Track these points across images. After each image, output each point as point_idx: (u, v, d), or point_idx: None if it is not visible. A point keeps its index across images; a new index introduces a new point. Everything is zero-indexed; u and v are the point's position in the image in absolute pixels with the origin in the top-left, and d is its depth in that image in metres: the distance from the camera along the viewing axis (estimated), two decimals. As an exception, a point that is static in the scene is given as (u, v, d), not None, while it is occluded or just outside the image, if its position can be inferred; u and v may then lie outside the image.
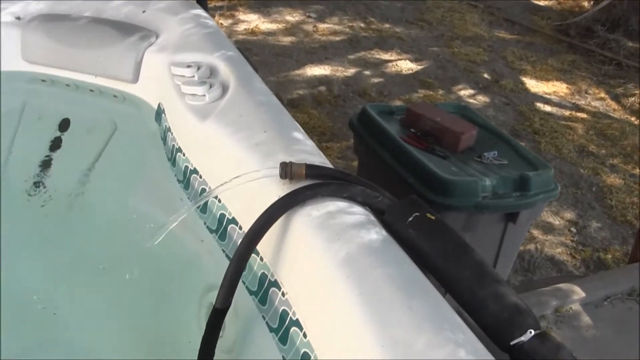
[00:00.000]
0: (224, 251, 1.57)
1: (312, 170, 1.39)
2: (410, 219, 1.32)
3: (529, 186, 2.26)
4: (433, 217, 1.34)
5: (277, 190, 1.40)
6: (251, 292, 1.43)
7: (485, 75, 5.63)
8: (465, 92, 5.29)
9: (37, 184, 2.36)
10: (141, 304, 1.94)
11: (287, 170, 1.38)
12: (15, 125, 2.48)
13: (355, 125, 2.69)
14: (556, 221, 3.71)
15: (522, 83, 5.55)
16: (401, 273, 1.18)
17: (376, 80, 5.36)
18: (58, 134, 2.43)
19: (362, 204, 1.38)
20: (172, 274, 1.85)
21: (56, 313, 2.07)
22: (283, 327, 1.29)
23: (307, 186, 1.36)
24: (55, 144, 2.42)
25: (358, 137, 2.73)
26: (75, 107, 2.49)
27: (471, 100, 5.13)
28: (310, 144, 1.60)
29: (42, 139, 2.44)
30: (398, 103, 4.85)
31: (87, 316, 2.02)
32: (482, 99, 5.20)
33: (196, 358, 1.38)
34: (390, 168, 2.39)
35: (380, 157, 2.46)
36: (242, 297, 1.34)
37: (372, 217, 1.34)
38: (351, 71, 5.44)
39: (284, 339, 1.29)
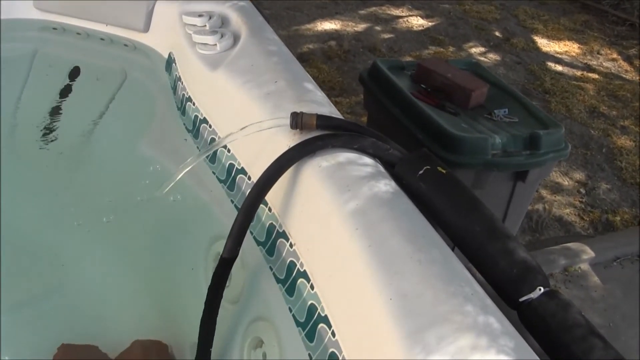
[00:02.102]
0: (232, 201, 1.56)
1: (323, 121, 1.38)
2: (421, 172, 1.31)
3: (539, 145, 2.23)
4: (444, 171, 1.32)
5: (287, 140, 1.38)
6: (259, 243, 1.42)
7: (497, 34, 5.57)
8: (475, 50, 5.24)
9: (46, 131, 2.36)
10: (148, 252, 1.95)
11: (297, 120, 1.36)
12: (25, 72, 2.47)
13: (366, 80, 2.67)
14: (565, 182, 3.69)
15: (534, 42, 5.49)
16: (411, 226, 1.17)
17: (387, 36, 5.31)
18: (68, 81, 2.42)
19: (373, 155, 1.36)
20: (180, 223, 1.85)
21: (63, 260, 2.08)
22: (290, 279, 1.29)
23: (317, 136, 1.34)
24: (65, 92, 2.41)
25: (368, 92, 2.71)
26: (86, 55, 2.47)
27: (482, 58, 5.09)
28: (320, 95, 1.58)
29: (52, 86, 2.43)
30: (408, 59, 4.80)
31: (94, 264, 2.03)
32: (492, 57, 5.16)
33: (202, 308, 1.37)
34: (400, 123, 2.37)
35: (390, 112, 2.44)
36: (249, 248, 1.34)
37: (383, 170, 1.33)
38: (362, 26, 5.39)
39: (290, 290, 1.28)
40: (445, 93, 2.46)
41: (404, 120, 2.35)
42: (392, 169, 1.36)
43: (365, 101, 2.84)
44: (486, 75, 2.68)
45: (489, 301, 1.05)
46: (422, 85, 2.52)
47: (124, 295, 1.93)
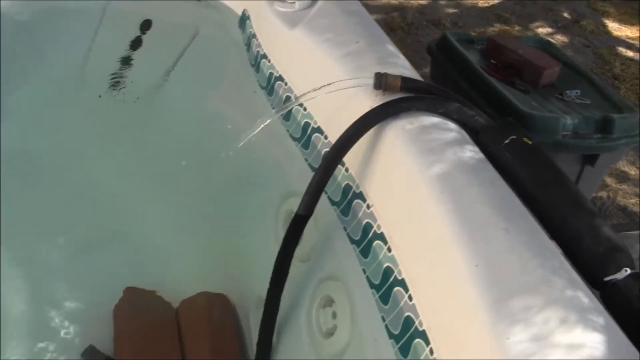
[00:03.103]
0: (306, 160, 1.54)
1: (407, 83, 1.35)
2: (507, 141, 1.28)
3: (611, 128, 2.17)
4: (530, 142, 1.29)
5: (369, 100, 1.36)
6: (333, 203, 1.41)
7: (565, 15, 5.44)
8: (542, 30, 5.13)
9: (115, 82, 2.37)
10: (216, 206, 1.96)
11: (382, 81, 1.34)
12: (97, 23, 2.48)
13: (434, 52, 2.62)
14: (632, 171, 3.60)
15: (604, 25, 5.34)
16: (497, 194, 1.14)
17: (451, 10, 5.23)
18: (139, 33, 2.42)
19: (457, 121, 1.33)
20: (251, 178, 1.85)
21: (128, 207, 2.10)
22: (365, 240, 1.27)
23: (401, 98, 1.31)
24: (136, 43, 2.41)
25: (436, 64, 2.67)
26: (158, 9, 2.47)
27: (549, 39, 4.97)
28: (402, 58, 1.56)
29: (123, 37, 2.44)
30: (473, 35, 4.72)
31: (161, 213, 2.04)
32: (560, 38, 5.04)
33: (270, 264, 1.37)
34: (468, 97, 2.32)
35: (458, 85, 2.39)
36: (322, 207, 1.32)
37: (467, 136, 1.30)
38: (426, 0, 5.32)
39: (365, 251, 1.27)
40: (515, 69, 2.40)
41: (473, 94, 2.31)
42: (476, 136, 1.33)
43: (433, 73, 2.79)
44: (558, 54, 2.61)
45: (575, 276, 1.02)
46: (492, 61, 2.46)
47: (190, 246, 1.95)
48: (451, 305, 1.02)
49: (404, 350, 1.09)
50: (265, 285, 1.39)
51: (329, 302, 1.37)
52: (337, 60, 1.53)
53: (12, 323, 1.75)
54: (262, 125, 1.47)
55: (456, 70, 2.46)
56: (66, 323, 1.75)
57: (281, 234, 1.54)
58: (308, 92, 1.42)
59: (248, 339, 1.74)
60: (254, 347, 1.56)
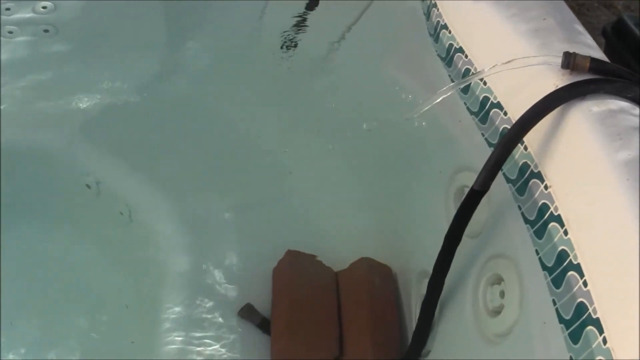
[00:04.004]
0: (483, 134, 1.53)
1: (596, 64, 1.31)
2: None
3: None
4: None
5: (554, 79, 1.33)
6: (508, 180, 1.39)
7: None
8: None
9: (288, 43, 2.42)
10: (385, 174, 1.97)
11: (570, 60, 1.30)
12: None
13: (609, 35, 2.51)
14: None
15: None
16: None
17: (625, -7, 4.97)
18: (315, -5, 2.46)
19: (647, 107, 1.28)
20: (423, 149, 1.84)
21: (292, 169, 2.15)
22: (541, 221, 1.25)
23: (590, 79, 1.28)
24: (312, 4, 2.45)
25: (610, 47, 2.55)
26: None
27: None
28: (590, 39, 1.51)
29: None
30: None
31: (325, 177, 2.08)
32: None
33: (437, 237, 1.37)
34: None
35: (633, 69, 2.28)
36: (496, 184, 1.30)
37: (658, 124, 1.25)
38: (601, -21, 5.08)
39: (540, 232, 1.25)
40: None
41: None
42: (668, 125, 1.27)
43: (607, 56, 2.68)
44: None
45: None
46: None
47: (354, 212, 1.98)
48: (631, 296, 0.99)
49: (575, 336, 1.08)
50: (431, 259, 1.40)
51: (497, 280, 1.36)
52: (523, 36, 1.49)
53: (174, 276, 1.85)
54: (441, 97, 1.47)
55: (632, 55, 2.34)
56: (225, 280, 1.83)
57: (451, 208, 1.55)
58: (493, 65, 1.41)
59: (407, 311, 1.76)
60: (414, 320, 1.58)
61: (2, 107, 2.28)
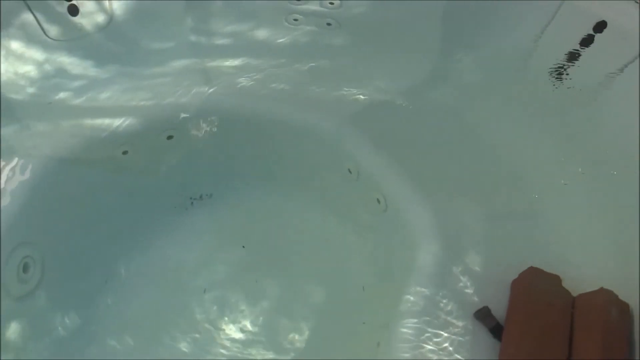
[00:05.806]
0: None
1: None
2: None
3: None
4: None
5: None
6: None
7: None
8: None
9: (558, 71, 2.47)
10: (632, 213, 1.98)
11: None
12: (549, 17, 2.63)
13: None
14: None
15: None
16: None
17: None
18: (591, 32, 2.50)
19: None
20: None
21: (549, 191, 2.21)
22: None
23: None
24: (587, 41, 2.49)
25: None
26: (613, 12, 2.52)
27: None
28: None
29: (574, 34, 2.53)
30: None
31: (579, 203, 2.12)
32: None
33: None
34: None
35: None
36: None
37: None
38: None
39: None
40: None
41: None
42: None
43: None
44: None
45: None
46: None
47: (598, 243, 1.97)
48: None
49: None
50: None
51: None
52: None
53: (418, 270, 1.93)
54: None
55: None
56: (467, 281, 1.89)
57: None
58: None
59: (634, 350, 1.74)
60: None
61: (280, 86, 2.55)
